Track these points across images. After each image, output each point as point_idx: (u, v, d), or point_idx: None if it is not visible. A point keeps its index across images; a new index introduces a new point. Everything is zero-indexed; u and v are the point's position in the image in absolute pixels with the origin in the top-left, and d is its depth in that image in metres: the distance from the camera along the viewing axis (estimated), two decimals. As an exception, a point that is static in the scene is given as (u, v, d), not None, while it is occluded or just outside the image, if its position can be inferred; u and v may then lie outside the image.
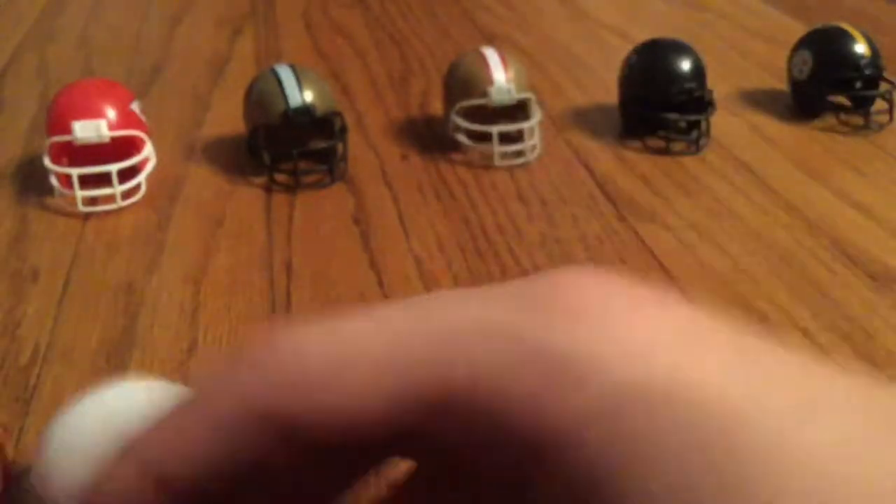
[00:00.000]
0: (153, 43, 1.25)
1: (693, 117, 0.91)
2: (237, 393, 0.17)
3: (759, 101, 1.03)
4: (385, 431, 0.17)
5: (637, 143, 0.93)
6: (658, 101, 0.91)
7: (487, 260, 0.73)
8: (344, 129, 0.87)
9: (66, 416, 0.28)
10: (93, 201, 0.81)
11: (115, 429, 0.22)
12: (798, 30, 1.04)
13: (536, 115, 0.89)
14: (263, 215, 0.81)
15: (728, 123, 0.96)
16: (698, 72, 0.92)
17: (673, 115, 0.90)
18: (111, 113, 0.82)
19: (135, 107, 0.85)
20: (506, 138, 0.88)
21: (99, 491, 0.19)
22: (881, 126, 0.95)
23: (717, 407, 0.14)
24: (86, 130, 0.80)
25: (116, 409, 0.27)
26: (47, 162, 0.81)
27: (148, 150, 0.84)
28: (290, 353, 0.17)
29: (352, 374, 0.17)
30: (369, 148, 0.93)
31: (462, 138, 0.90)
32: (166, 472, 0.18)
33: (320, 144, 0.86)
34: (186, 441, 0.18)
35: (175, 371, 0.60)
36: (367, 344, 0.17)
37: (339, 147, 0.87)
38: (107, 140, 0.81)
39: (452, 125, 0.90)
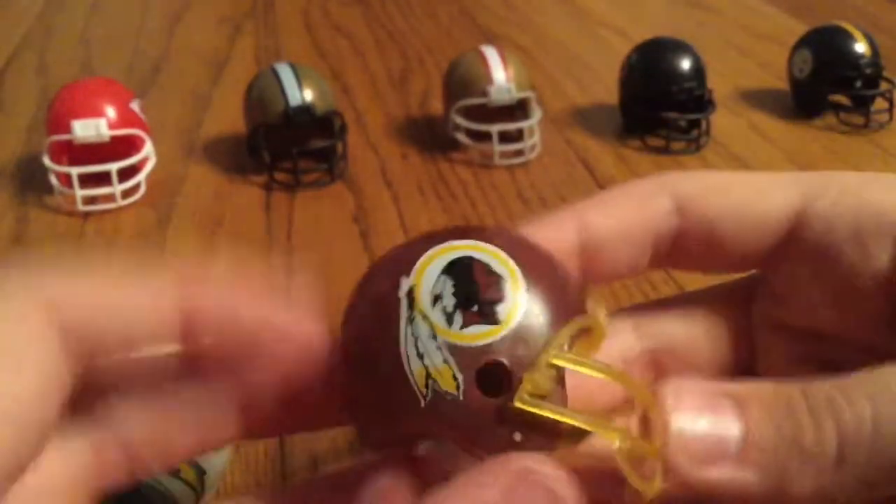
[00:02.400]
0: (153, 42, 1.25)
1: (693, 116, 0.91)
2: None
3: (760, 100, 1.03)
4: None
5: (637, 142, 0.93)
6: (658, 100, 0.91)
7: (487, 259, 0.73)
8: (344, 128, 0.87)
9: None
10: (92, 200, 0.81)
11: None
12: (798, 29, 1.04)
13: (536, 114, 0.89)
14: (263, 214, 0.81)
15: (728, 122, 0.96)
16: (698, 71, 0.92)
17: (673, 114, 0.90)
18: (111, 112, 0.82)
19: (134, 106, 0.85)
20: (506, 137, 0.88)
21: None
22: (881, 125, 0.95)
23: None
24: (86, 129, 0.80)
25: None
26: (47, 161, 0.81)
27: (147, 149, 0.84)
28: None
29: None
30: (369, 147, 0.93)
31: (462, 137, 0.90)
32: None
33: (320, 143, 0.86)
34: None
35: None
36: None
37: (339, 146, 0.87)
38: (106, 139, 0.81)
39: (452, 124, 0.90)
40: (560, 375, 0.21)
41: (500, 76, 0.87)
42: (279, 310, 0.21)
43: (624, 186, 0.25)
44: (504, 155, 0.88)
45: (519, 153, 0.89)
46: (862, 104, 0.96)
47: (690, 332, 0.26)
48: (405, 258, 0.21)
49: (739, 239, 0.24)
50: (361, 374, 0.21)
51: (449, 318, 0.20)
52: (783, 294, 0.24)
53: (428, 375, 0.20)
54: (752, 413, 0.20)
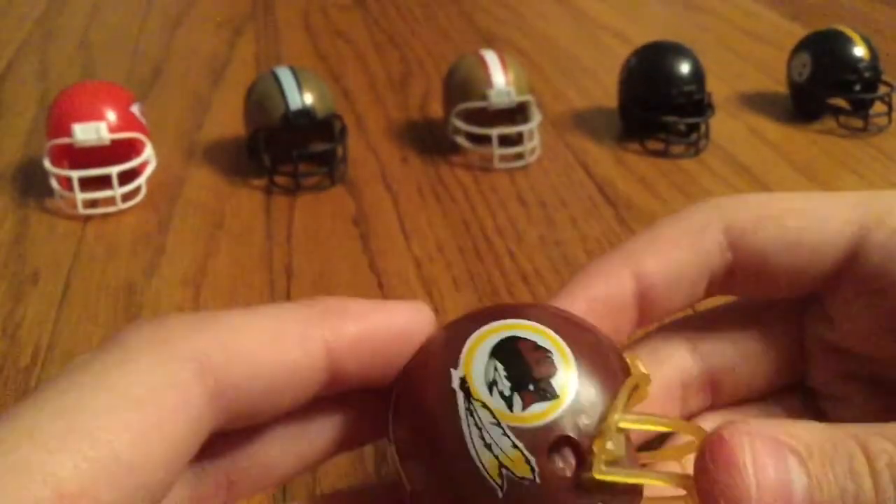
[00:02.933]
0: (153, 45, 1.25)
1: (692, 120, 0.91)
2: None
3: (759, 103, 1.04)
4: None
5: (636, 146, 0.93)
6: (657, 104, 0.91)
7: (487, 262, 0.73)
8: (344, 132, 0.87)
9: None
10: (93, 203, 0.81)
11: None
12: (797, 33, 1.04)
13: (536, 118, 0.89)
14: (263, 217, 0.81)
15: (727, 126, 0.97)
16: (698, 74, 0.92)
17: (672, 118, 0.90)
18: (111, 115, 0.82)
19: (135, 109, 0.85)
20: (505, 141, 0.89)
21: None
22: (880, 128, 0.95)
23: None
24: (86, 133, 0.80)
25: None
26: (47, 164, 0.81)
27: (148, 152, 0.84)
28: None
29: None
30: (369, 150, 0.93)
31: (461, 140, 0.90)
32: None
33: (320, 147, 0.86)
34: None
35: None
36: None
37: (339, 149, 0.87)
38: (107, 142, 0.81)
39: (452, 127, 0.90)
40: (627, 437, 0.21)
41: (500, 80, 0.88)
42: (399, 311, 0.22)
43: (675, 221, 0.24)
44: (504, 158, 0.88)
45: (519, 157, 0.89)
46: (861, 108, 0.96)
47: (748, 351, 0.25)
48: (449, 347, 0.21)
49: (793, 269, 0.23)
50: (428, 473, 0.21)
51: (508, 402, 0.20)
52: (835, 317, 0.24)
53: (500, 465, 0.20)
54: (815, 468, 0.19)
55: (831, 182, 0.86)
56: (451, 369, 0.21)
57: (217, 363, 0.19)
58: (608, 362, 0.21)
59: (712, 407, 0.26)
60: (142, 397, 0.18)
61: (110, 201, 0.81)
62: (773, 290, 0.24)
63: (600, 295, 0.23)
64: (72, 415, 0.17)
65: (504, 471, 0.19)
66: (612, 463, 0.20)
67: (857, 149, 0.93)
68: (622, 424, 0.20)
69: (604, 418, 0.20)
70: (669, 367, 0.24)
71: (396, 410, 0.22)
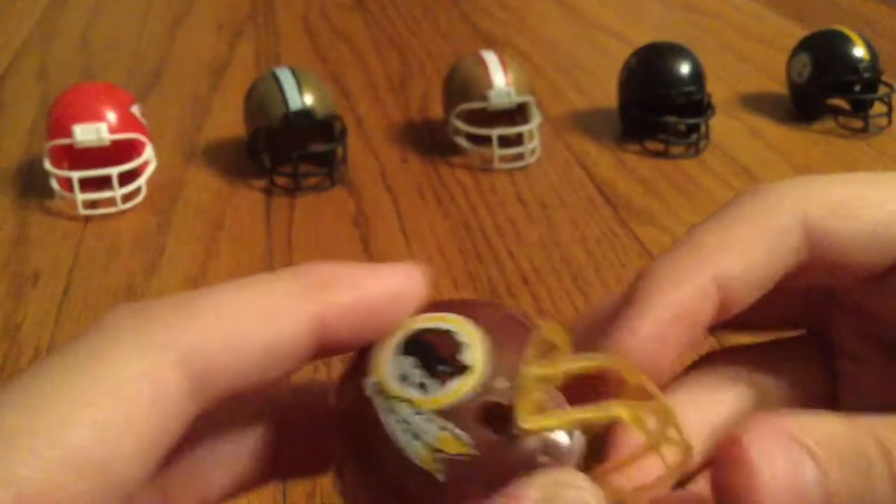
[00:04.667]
0: (154, 46, 1.25)
1: (692, 120, 0.91)
2: None
3: (758, 104, 1.04)
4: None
5: (636, 146, 0.93)
6: (657, 104, 0.91)
7: (487, 262, 0.73)
8: (344, 132, 0.87)
9: None
10: (93, 204, 0.81)
11: None
12: (797, 33, 1.04)
13: (536, 119, 0.89)
14: (263, 218, 0.81)
15: (727, 126, 0.97)
16: (697, 75, 0.92)
17: (672, 118, 0.90)
18: (112, 116, 0.82)
19: (135, 110, 0.85)
20: (505, 141, 0.89)
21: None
22: (880, 129, 0.95)
23: None
24: (86, 133, 0.80)
25: None
26: (48, 165, 0.81)
27: (148, 153, 0.84)
28: None
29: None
30: (369, 151, 0.93)
31: (462, 141, 0.90)
32: None
33: (320, 147, 0.86)
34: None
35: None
36: None
37: (339, 150, 0.87)
38: (107, 143, 0.81)
39: (452, 128, 0.90)
40: (549, 384, 0.21)
41: (500, 80, 0.88)
42: (391, 275, 0.21)
43: (748, 212, 0.23)
44: (504, 159, 0.88)
45: (519, 157, 0.89)
46: (860, 108, 0.96)
47: (781, 387, 0.25)
48: (358, 364, 0.21)
49: (865, 263, 0.23)
50: (370, 489, 0.21)
51: (424, 389, 0.20)
52: (870, 288, 0.23)
53: (433, 450, 0.20)
54: (831, 468, 0.19)
55: (831, 182, 0.86)
56: (363, 378, 0.21)
57: (200, 350, 0.18)
58: (514, 327, 0.21)
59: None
60: (115, 390, 0.17)
61: (110, 202, 0.81)
62: (839, 282, 0.24)
63: (684, 306, 0.22)
64: (37, 413, 0.17)
65: (438, 454, 0.20)
66: (538, 411, 0.20)
67: (857, 149, 0.93)
68: (537, 372, 0.20)
69: (517, 373, 0.20)
70: (709, 408, 0.24)
71: (339, 436, 0.22)
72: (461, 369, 0.20)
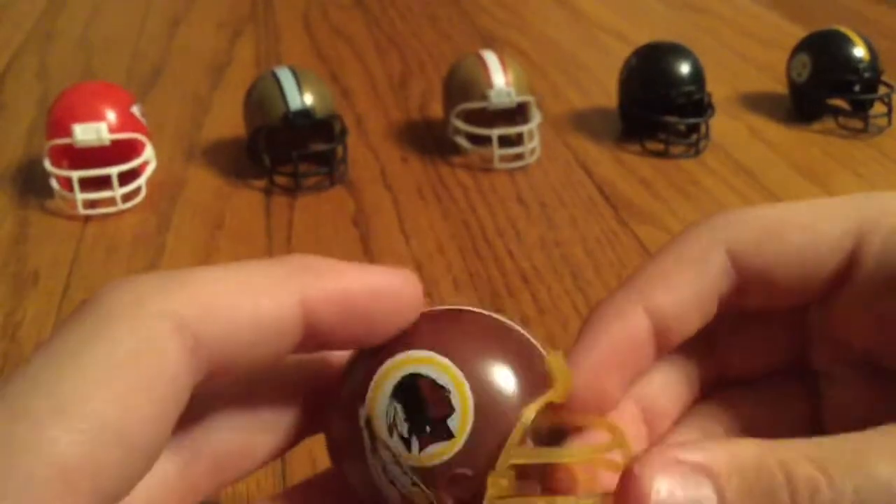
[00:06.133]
0: (153, 45, 1.25)
1: (692, 120, 0.91)
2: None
3: (758, 104, 1.04)
4: None
5: (636, 146, 0.93)
6: (657, 104, 0.91)
7: (487, 262, 0.73)
8: (344, 132, 0.87)
9: None
10: (93, 204, 0.81)
11: None
12: (797, 33, 1.04)
13: (536, 118, 0.89)
14: (263, 218, 0.81)
15: (727, 126, 0.97)
16: (698, 75, 0.92)
17: (672, 118, 0.90)
18: (111, 115, 0.82)
19: (135, 109, 0.85)
20: (505, 141, 0.89)
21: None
22: (880, 129, 0.95)
23: None
24: (86, 133, 0.80)
25: None
26: (48, 165, 0.81)
27: (148, 152, 0.84)
28: None
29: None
30: (369, 150, 0.93)
31: (462, 141, 0.90)
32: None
33: (320, 147, 0.86)
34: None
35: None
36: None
37: (339, 149, 0.87)
38: (107, 143, 0.81)
39: (452, 128, 0.90)
40: (524, 470, 0.21)
41: (500, 80, 0.88)
42: (380, 274, 0.22)
43: (677, 250, 0.24)
44: (504, 159, 0.88)
45: (519, 157, 0.89)
46: (860, 108, 0.97)
47: (747, 334, 0.26)
48: (358, 380, 0.22)
49: (798, 282, 0.24)
50: (351, 483, 0.22)
51: (407, 444, 0.21)
52: (835, 313, 0.25)
53: (402, 497, 0.21)
54: (731, 493, 0.19)
55: (831, 182, 0.86)
56: (360, 407, 0.22)
57: (193, 318, 0.19)
58: (523, 380, 0.22)
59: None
60: (122, 362, 0.18)
61: (110, 202, 0.81)
62: (779, 302, 0.25)
63: (619, 337, 0.23)
64: (58, 389, 0.17)
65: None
66: (502, 497, 0.21)
67: (857, 149, 0.93)
68: (514, 461, 0.21)
69: (496, 455, 0.21)
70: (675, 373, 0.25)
71: (326, 422, 0.23)
72: (445, 436, 0.21)
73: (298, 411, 0.23)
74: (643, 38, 0.99)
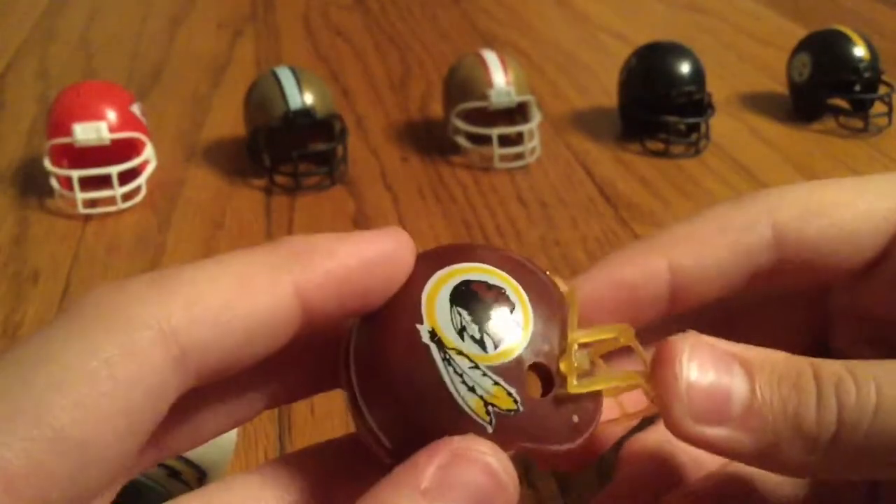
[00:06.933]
0: (153, 45, 1.25)
1: (692, 120, 0.91)
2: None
3: (759, 103, 1.04)
4: None
5: (636, 146, 0.93)
6: (657, 104, 0.91)
7: (487, 262, 0.73)
8: (344, 132, 0.87)
9: None
10: (93, 203, 0.81)
11: None
12: (797, 33, 1.04)
13: (536, 118, 0.89)
14: (263, 217, 0.81)
15: (727, 126, 0.97)
16: (698, 74, 0.92)
17: (672, 118, 0.90)
18: (111, 115, 0.82)
19: (135, 109, 0.85)
20: (505, 141, 0.89)
21: None
22: (880, 129, 0.95)
23: None
24: (86, 132, 0.80)
25: None
26: (47, 164, 0.81)
27: (148, 152, 0.84)
28: None
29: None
30: (369, 150, 0.93)
31: (462, 141, 0.90)
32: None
33: (320, 147, 0.86)
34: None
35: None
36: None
37: (339, 149, 0.87)
38: (107, 142, 0.81)
39: (452, 127, 0.90)
40: (588, 351, 0.23)
41: (500, 80, 0.88)
42: (371, 241, 0.22)
43: (719, 216, 0.24)
44: (504, 158, 0.88)
45: (519, 157, 0.89)
46: (861, 108, 0.97)
47: (768, 311, 0.27)
48: (406, 301, 0.22)
49: (841, 261, 0.24)
50: (414, 427, 0.21)
51: (481, 344, 0.21)
52: (865, 290, 0.25)
53: (486, 403, 0.21)
54: (761, 379, 0.20)
55: (831, 182, 0.86)
56: (417, 324, 0.21)
57: (180, 326, 0.18)
58: (550, 292, 0.23)
59: None
60: (94, 370, 0.17)
61: (110, 201, 0.81)
62: (819, 281, 0.25)
63: (628, 280, 0.24)
64: (17, 395, 0.17)
65: (490, 408, 0.21)
66: (581, 376, 0.22)
67: (857, 149, 0.93)
68: (582, 340, 0.22)
69: (564, 339, 0.22)
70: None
71: (362, 372, 0.22)
72: (515, 329, 0.22)
73: (255, 384, 0.23)
74: (643, 38, 0.99)
